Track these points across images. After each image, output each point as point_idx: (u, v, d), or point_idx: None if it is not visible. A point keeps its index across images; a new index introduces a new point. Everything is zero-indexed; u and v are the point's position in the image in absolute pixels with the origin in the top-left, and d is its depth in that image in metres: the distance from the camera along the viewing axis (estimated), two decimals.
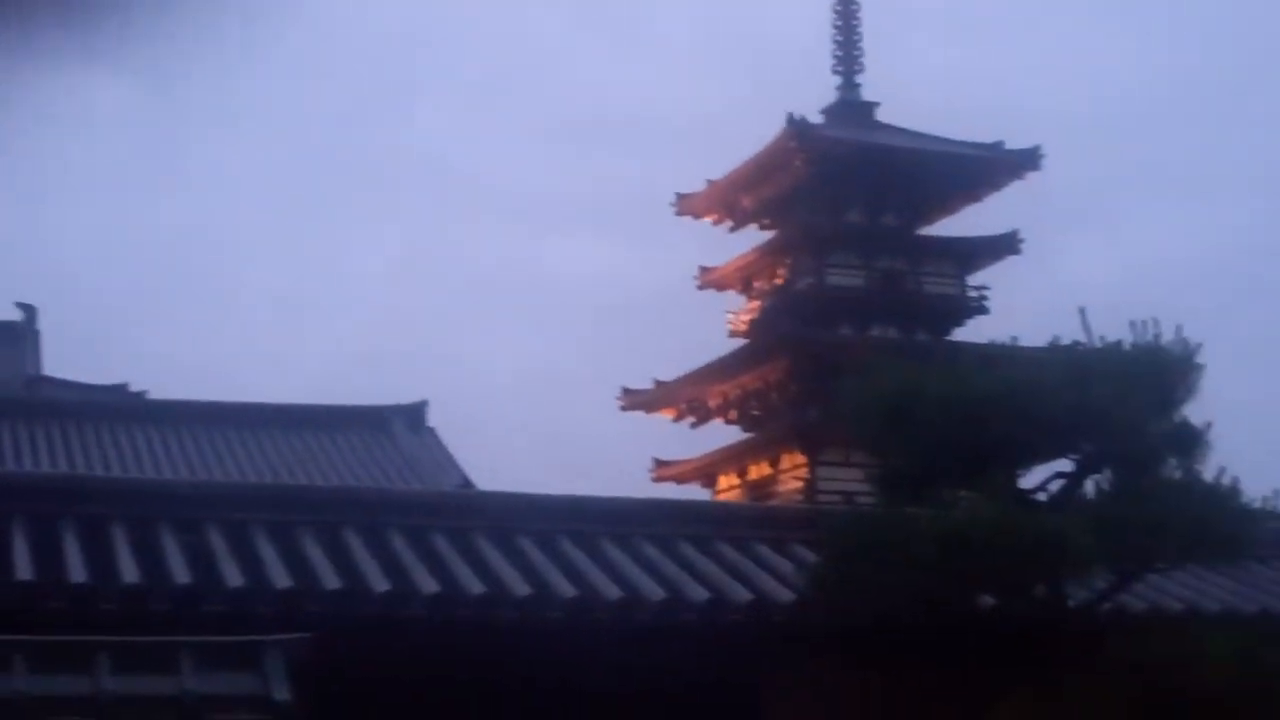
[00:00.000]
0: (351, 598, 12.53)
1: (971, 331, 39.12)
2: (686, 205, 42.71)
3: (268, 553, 13.03)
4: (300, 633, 11.11)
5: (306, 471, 28.31)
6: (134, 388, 32.17)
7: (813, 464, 37.63)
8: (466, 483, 27.68)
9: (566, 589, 13.08)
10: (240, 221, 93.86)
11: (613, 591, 13.18)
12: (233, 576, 12.46)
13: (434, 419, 32.46)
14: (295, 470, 28.42)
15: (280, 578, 12.58)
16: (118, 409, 30.26)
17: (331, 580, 12.63)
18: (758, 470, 40.13)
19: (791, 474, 38.67)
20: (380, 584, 12.67)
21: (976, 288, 40.50)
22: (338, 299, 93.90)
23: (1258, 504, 13.36)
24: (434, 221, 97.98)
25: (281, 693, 10.45)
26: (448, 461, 29.71)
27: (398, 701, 12.53)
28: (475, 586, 12.90)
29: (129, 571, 12.33)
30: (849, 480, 31.78)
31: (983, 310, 40.34)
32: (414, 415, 32.02)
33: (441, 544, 13.80)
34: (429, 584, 12.80)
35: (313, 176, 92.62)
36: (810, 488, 37.24)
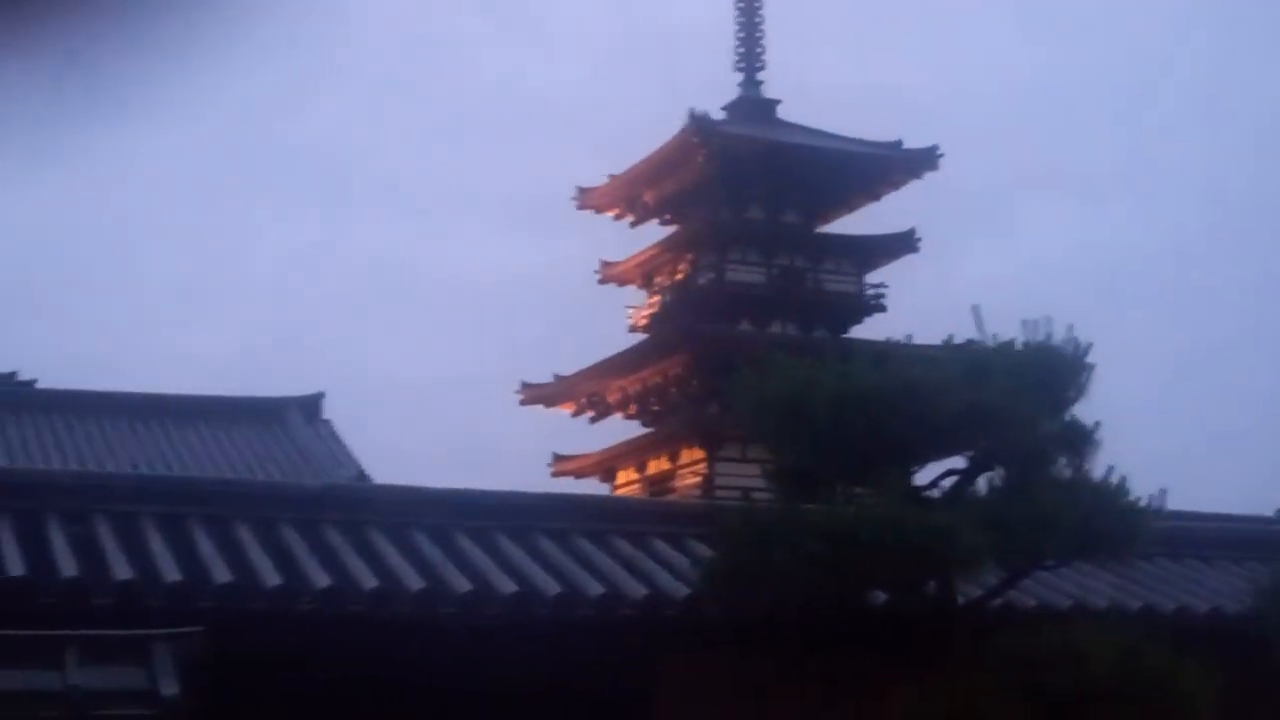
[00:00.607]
0: (242, 591, 12.40)
1: (870, 329, 39.47)
2: (588, 200, 42.70)
3: (157, 545, 12.86)
4: (190, 627, 10.99)
5: (199, 463, 28.01)
6: (23, 376, 31.59)
7: (711, 459, 37.77)
8: (362, 476, 27.50)
9: (462, 584, 13.03)
10: (137, 211, 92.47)
11: (508, 586, 13.15)
12: (121, 570, 12.28)
13: (330, 411, 32.25)
14: (187, 462, 28.11)
15: (170, 571, 12.42)
16: (5, 398, 29.72)
17: (222, 574, 12.50)
18: (657, 465, 40.22)
19: (690, 469, 38.78)
20: (272, 578, 12.56)
21: (875, 286, 40.85)
22: (235, 291, 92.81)
23: (1144, 502, 13.58)
24: (334, 215, 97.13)
25: (170, 687, 10.32)
26: (343, 454, 29.52)
27: (288, 696, 12.41)
28: (368, 581, 12.81)
29: (14, 565, 12.12)
30: (747, 476, 31.93)
31: (881, 308, 40.70)
32: (309, 407, 31.78)
33: (334, 538, 13.70)
34: (321, 578, 12.70)
35: (212, 168, 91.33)
36: (709, 483, 37.38)
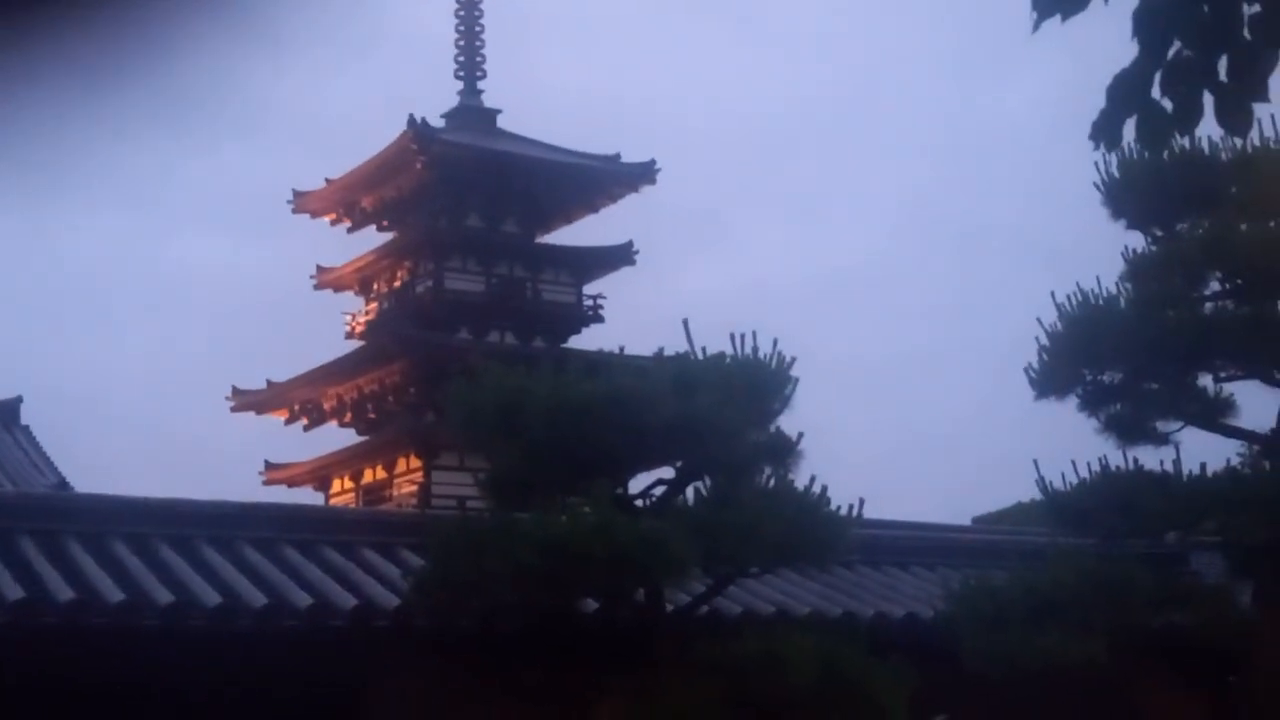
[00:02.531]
0: None
1: (588, 340, 39.75)
2: (304, 203, 41.97)
3: None
4: None
5: None
6: None
7: (428, 468, 37.52)
8: (62, 484, 26.57)
9: (163, 595, 12.69)
10: None
11: (212, 597, 12.86)
12: None
13: (29, 416, 31.04)
14: None
15: None
16: None
17: None
18: (372, 474, 39.75)
19: (407, 478, 38.47)
20: None
21: (593, 297, 41.19)
22: None
23: (844, 511, 14.02)
24: (39, 214, 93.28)
25: None
26: (42, 461, 28.47)
27: None
28: (64, 593, 12.37)
29: None
30: (464, 485, 31.76)
31: (599, 319, 41.05)
32: (7, 412, 30.56)
33: (29, 548, 13.20)
34: (14, 591, 12.21)
35: None
36: (425, 492, 37.12)
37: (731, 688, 12.50)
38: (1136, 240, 16.24)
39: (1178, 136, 5.36)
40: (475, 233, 40.35)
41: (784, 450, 13.90)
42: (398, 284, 40.50)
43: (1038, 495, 16.48)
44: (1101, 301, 15.76)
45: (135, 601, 12.51)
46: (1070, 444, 16.32)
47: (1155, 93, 5.06)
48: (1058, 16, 5.03)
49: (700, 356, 13.98)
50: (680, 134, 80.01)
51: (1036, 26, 5.04)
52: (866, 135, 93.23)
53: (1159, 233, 16.31)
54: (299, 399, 41.17)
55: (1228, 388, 16.15)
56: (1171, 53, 5.01)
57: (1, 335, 76.64)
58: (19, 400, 30.97)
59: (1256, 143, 15.66)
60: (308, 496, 40.76)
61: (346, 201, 41.64)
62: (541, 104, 71.39)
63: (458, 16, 42.04)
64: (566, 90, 75.23)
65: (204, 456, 58.19)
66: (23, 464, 27.89)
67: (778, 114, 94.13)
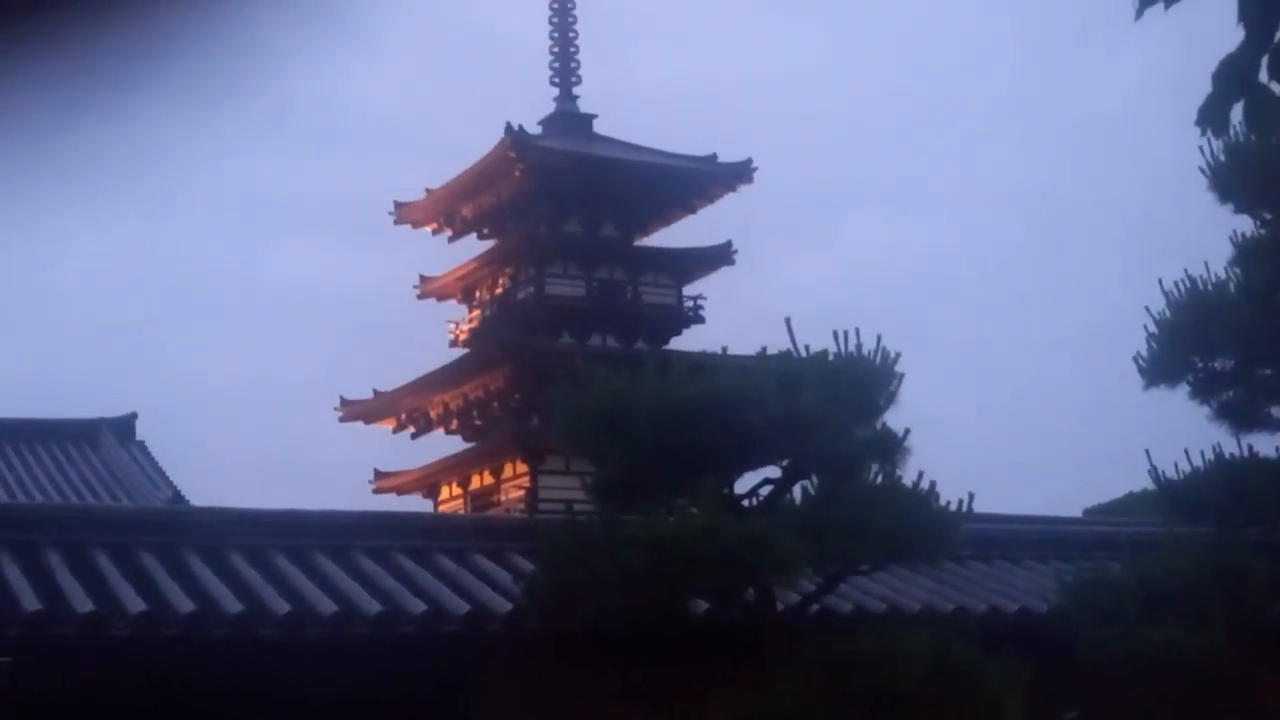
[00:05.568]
0: (52, 619, 12.11)
1: (689, 341, 39.81)
2: (405, 214, 42.43)
3: None
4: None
5: (7, 488, 27.24)
6: None
7: (534, 473, 37.75)
8: (177, 498, 27.03)
9: (281, 605, 12.89)
10: None
11: (328, 606, 13.04)
12: None
13: (144, 431, 31.62)
14: None
15: None
16: None
17: (32, 602, 12.19)
18: (480, 480, 40.08)
19: (514, 483, 38.72)
20: (83, 604, 12.28)
21: (693, 298, 41.24)
22: (41, 309, 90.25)
23: (954, 506, 13.93)
24: (144, 226, 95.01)
25: None
26: (158, 475, 28.99)
27: None
28: (184, 605, 12.60)
29: None
30: (570, 489, 31.87)
31: (699, 320, 41.09)
32: (122, 428, 31.14)
33: (149, 561, 13.46)
34: (135, 603, 12.46)
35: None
36: (532, 497, 37.35)
37: (843, 685, 12.47)
38: (1245, 224, 15.99)
39: None
40: (574, 238, 40.54)
41: (891, 446, 13.84)
42: (500, 291, 40.79)
43: (1150, 485, 16.26)
44: (1211, 287, 15.51)
45: (253, 612, 12.72)
46: (1182, 433, 16.11)
47: (1262, 76, 5.00)
48: (1161, 3, 4.99)
49: (804, 354, 13.95)
50: (777, 127, 79.88)
51: (1140, 13, 5.00)
52: (967, 121, 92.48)
53: (1268, 216, 16.03)
54: (406, 407, 41.60)
55: None
56: (1278, 36, 4.94)
57: (115, 352, 78.16)
58: (134, 416, 31.56)
59: None
60: (417, 504, 41.20)
61: (447, 211, 42.03)
62: (637, 105, 71.68)
63: (551, 24, 42.27)
64: (661, 89, 75.38)
65: (314, 467, 58.93)
66: (139, 479, 28.41)
67: (875, 101, 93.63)
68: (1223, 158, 15.80)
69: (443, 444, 41.66)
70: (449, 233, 42.57)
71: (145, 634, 12.30)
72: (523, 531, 15.78)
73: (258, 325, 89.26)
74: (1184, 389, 15.93)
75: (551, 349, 37.87)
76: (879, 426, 13.99)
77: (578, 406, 14.01)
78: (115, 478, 28.51)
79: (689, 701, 13.15)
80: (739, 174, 40.83)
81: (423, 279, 42.56)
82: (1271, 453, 15.69)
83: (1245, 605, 14.47)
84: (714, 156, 40.84)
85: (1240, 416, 15.85)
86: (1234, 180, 15.82)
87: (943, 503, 13.82)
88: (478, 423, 40.51)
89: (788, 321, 14.02)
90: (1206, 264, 15.60)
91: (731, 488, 14.06)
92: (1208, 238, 16.30)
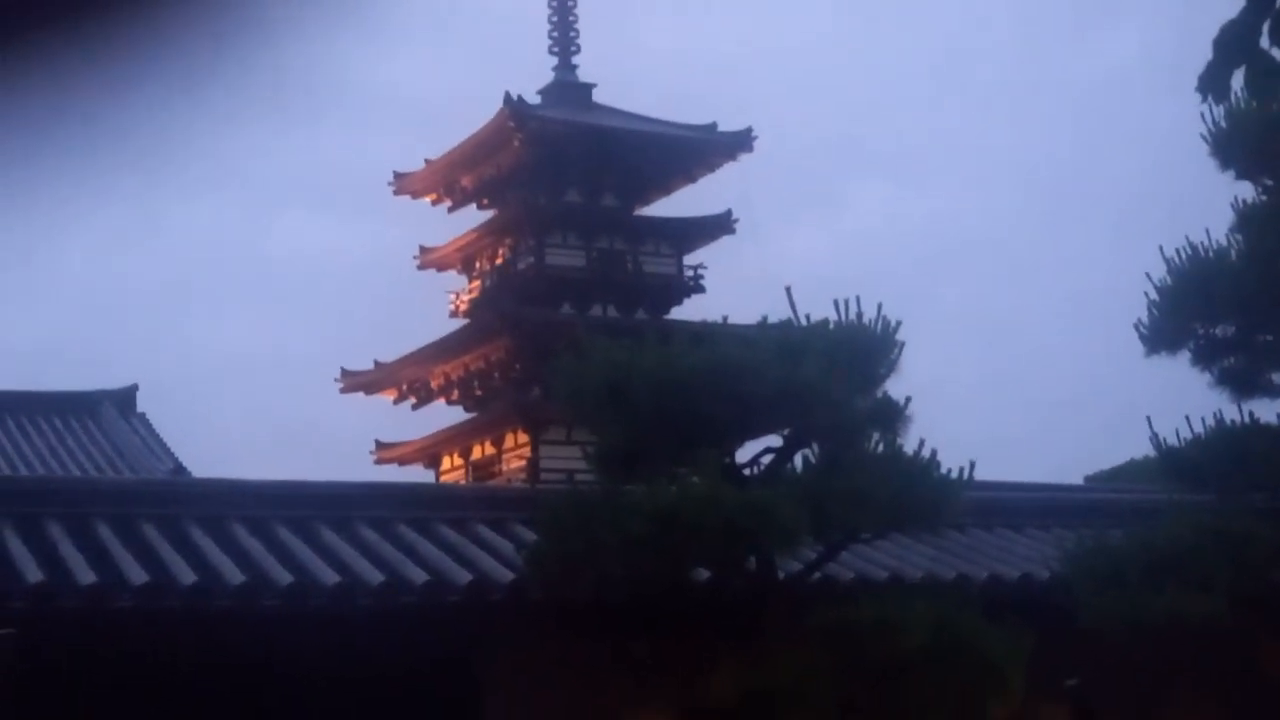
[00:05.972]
0: (55, 591, 12.14)
1: (690, 310, 39.83)
2: (404, 184, 42.38)
3: None
4: (1, 629, 10.74)
5: (8, 460, 27.28)
6: None
7: (535, 443, 37.79)
8: (179, 470, 27.07)
9: (283, 576, 12.91)
10: None
11: (330, 577, 13.06)
12: None
13: (145, 404, 31.62)
14: None
15: None
16: None
17: (34, 574, 12.21)
18: (481, 450, 40.12)
19: (515, 453, 38.77)
20: (86, 576, 12.31)
21: (693, 267, 41.19)
22: (42, 281, 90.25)
23: (955, 474, 13.93)
24: (144, 199, 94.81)
25: None
26: (159, 447, 29.01)
27: (104, 696, 12.20)
28: (187, 576, 12.63)
29: None
30: (571, 458, 31.92)
31: (700, 289, 41.06)
32: (124, 400, 31.15)
33: (151, 533, 13.48)
34: (138, 575, 12.48)
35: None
36: (534, 466, 37.40)
37: (845, 653, 12.50)
38: (1246, 191, 15.95)
39: None
40: (575, 208, 40.49)
41: (892, 414, 13.82)
42: (500, 261, 40.76)
43: (1151, 452, 16.26)
44: (1211, 254, 15.49)
45: (255, 583, 12.74)
46: (1184, 399, 16.11)
47: (1263, 43, 4.98)
48: None
49: (804, 323, 13.93)
50: (778, 96, 79.65)
51: None
52: (968, 90, 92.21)
53: (1269, 182, 15.99)
54: (407, 378, 41.64)
55: None
56: (1279, 3, 4.93)
57: (115, 324, 78.20)
58: (135, 388, 31.55)
59: None
60: (418, 474, 41.25)
61: (446, 181, 41.97)
62: (636, 74, 71.47)
63: None
64: (661, 58, 75.18)
65: (315, 438, 59.01)
66: (140, 451, 28.44)
67: (875, 70, 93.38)
68: (1224, 124, 15.75)
69: (444, 414, 41.72)
70: (448, 203, 42.52)
71: (148, 605, 12.33)
72: (524, 501, 15.79)
73: (258, 297, 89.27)
74: (1185, 355, 15.92)
75: (552, 319, 37.86)
76: (880, 395, 13.98)
77: (578, 376, 14.00)
78: (116, 450, 28.54)
79: (692, 671, 13.18)
80: (739, 143, 40.75)
81: (422, 250, 42.53)
82: (1273, 419, 15.69)
83: (1247, 571, 14.48)
84: (714, 125, 40.75)
85: (1241, 383, 15.84)
86: (1235, 147, 15.78)
87: (944, 471, 13.81)
88: (479, 393, 40.55)
89: (788, 290, 14.02)
90: (1207, 230, 15.58)
91: (733, 457, 14.05)
92: (1209, 204, 16.27)
